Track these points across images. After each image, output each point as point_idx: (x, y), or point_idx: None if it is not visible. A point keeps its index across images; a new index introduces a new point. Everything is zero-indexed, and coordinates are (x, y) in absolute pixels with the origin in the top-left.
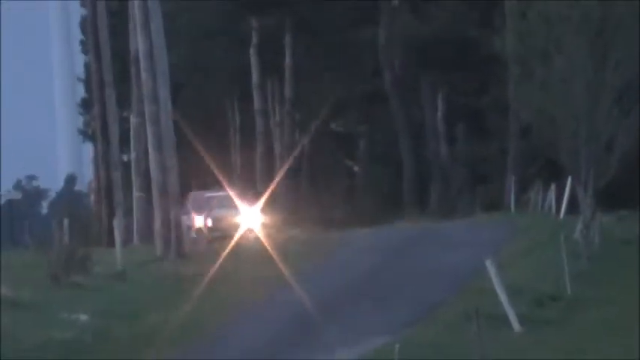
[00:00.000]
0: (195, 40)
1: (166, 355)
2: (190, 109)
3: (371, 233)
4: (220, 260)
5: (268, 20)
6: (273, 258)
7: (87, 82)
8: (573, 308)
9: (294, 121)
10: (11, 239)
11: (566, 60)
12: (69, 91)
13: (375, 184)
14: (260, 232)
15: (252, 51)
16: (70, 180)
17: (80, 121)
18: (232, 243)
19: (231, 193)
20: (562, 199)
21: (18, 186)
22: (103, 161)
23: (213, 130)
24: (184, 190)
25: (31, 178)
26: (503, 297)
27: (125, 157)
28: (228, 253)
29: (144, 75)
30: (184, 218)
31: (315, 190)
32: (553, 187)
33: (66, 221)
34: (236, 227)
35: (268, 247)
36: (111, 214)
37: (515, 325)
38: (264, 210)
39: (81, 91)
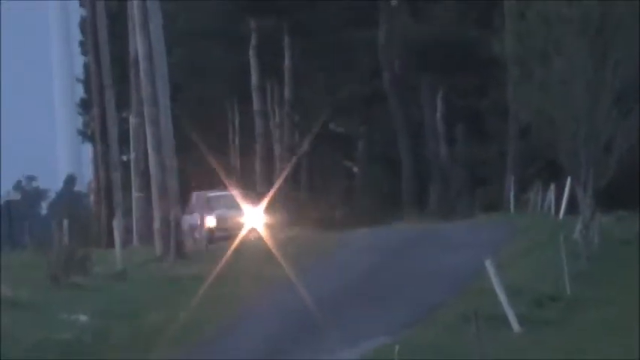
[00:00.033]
0: (195, 41)
1: (166, 355)
2: (190, 110)
3: (370, 233)
4: (221, 260)
5: (267, 22)
6: (273, 258)
7: (86, 83)
8: (573, 308)
9: (293, 123)
10: (11, 240)
11: (565, 60)
12: (68, 92)
13: (374, 185)
14: (262, 232)
15: (251, 52)
16: (70, 180)
17: (79, 121)
18: (234, 243)
19: (234, 194)
20: (561, 199)
21: (17, 186)
22: (103, 162)
23: (212, 131)
24: (184, 190)
25: (31, 178)
26: (502, 297)
27: (125, 158)
28: (229, 252)
29: (143, 77)
30: (187, 218)
31: (314, 190)
32: (552, 187)
33: (65, 222)
34: (240, 227)
35: (269, 247)
36: (110, 215)
37: (515, 326)
38: (266, 210)
39: (80, 92)
